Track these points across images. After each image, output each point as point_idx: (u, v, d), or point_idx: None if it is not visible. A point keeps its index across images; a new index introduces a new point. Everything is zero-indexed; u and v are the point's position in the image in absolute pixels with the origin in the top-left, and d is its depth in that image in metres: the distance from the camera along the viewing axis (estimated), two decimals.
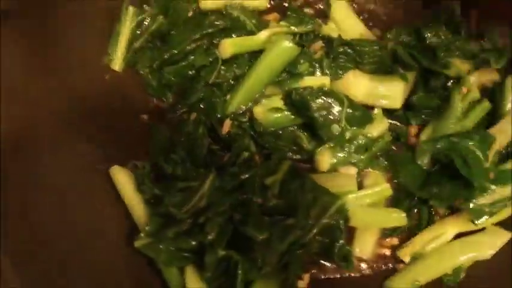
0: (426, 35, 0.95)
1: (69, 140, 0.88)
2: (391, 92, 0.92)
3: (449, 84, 0.93)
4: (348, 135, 0.89)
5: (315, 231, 0.78)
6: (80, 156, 0.88)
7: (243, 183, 0.80)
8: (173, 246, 0.76)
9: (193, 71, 0.95)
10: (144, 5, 0.97)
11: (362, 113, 0.91)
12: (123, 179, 0.87)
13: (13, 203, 0.72)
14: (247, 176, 0.81)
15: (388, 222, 0.86)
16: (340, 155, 0.89)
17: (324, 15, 1.03)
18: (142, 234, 0.77)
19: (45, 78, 0.86)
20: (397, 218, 0.85)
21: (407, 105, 0.95)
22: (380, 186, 0.87)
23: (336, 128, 0.88)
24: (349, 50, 0.95)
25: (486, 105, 0.89)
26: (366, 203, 0.85)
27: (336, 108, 0.88)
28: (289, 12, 1.00)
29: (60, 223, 0.78)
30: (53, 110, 0.86)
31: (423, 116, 0.95)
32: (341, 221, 0.80)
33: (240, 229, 0.75)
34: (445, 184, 0.85)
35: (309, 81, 0.92)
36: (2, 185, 0.72)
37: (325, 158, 0.88)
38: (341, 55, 0.95)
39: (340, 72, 0.94)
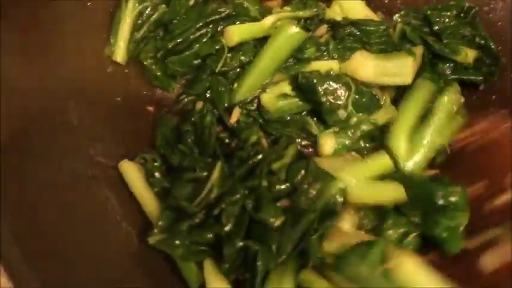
0: (433, 20, 0.95)
1: (74, 137, 0.85)
2: (401, 69, 0.90)
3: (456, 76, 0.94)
4: (353, 120, 0.88)
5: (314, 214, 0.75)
6: (86, 153, 0.85)
7: (252, 169, 0.78)
8: (188, 240, 0.74)
9: (199, 60, 0.93)
10: None
11: (370, 99, 0.90)
12: (133, 173, 0.84)
13: (17, 204, 0.70)
14: (255, 160, 0.79)
15: (387, 196, 0.81)
16: (344, 140, 0.88)
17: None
18: (155, 230, 0.74)
19: (44, 74, 0.82)
20: (396, 192, 0.80)
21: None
22: (381, 158, 0.83)
23: (341, 113, 0.87)
24: (355, 31, 0.94)
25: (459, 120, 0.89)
26: (367, 176, 0.81)
27: (343, 93, 0.88)
28: None
29: (69, 223, 0.76)
30: (53, 106, 0.83)
31: None
32: (339, 200, 0.76)
33: (255, 217, 0.73)
34: None
35: (316, 66, 0.91)
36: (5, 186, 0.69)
37: (328, 142, 0.87)
38: (347, 36, 0.94)
39: (348, 53, 0.93)
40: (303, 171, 0.78)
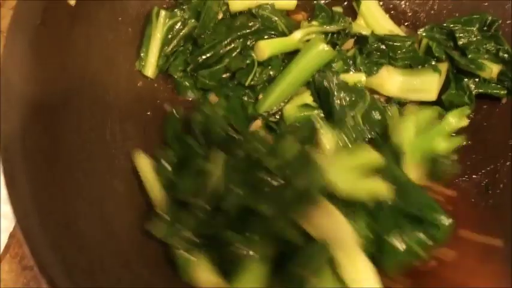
0: (457, 35, 0.97)
1: (106, 151, 0.86)
2: (426, 85, 0.93)
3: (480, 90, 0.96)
4: (359, 128, 0.90)
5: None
6: (117, 167, 0.87)
7: (255, 163, 0.78)
8: (190, 232, 0.76)
9: (228, 74, 0.94)
10: (175, 9, 0.95)
11: (381, 115, 0.92)
12: (145, 165, 0.85)
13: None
14: (258, 154, 0.78)
15: (372, 192, 0.76)
16: (346, 140, 0.89)
17: (352, 13, 1.04)
18: (158, 222, 0.77)
19: (71, 88, 0.83)
20: (383, 190, 0.76)
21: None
22: (368, 152, 0.80)
23: (349, 121, 0.90)
24: (382, 46, 0.96)
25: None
26: (354, 170, 0.78)
27: (355, 103, 0.90)
28: (317, 12, 1.01)
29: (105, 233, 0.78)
30: (83, 120, 0.84)
31: None
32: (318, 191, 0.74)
33: (251, 206, 0.74)
34: None
35: (345, 79, 0.93)
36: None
37: (329, 140, 0.88)
38: (374, 51, 0.96)
39: (374, 68, 0.95)
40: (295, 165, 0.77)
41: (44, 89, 0.76)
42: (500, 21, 0.99)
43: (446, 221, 0.74)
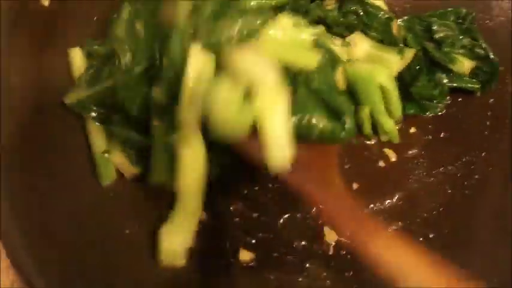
0: (434, 28, 0.97)
1: None
2: (386, 62, 0.93)
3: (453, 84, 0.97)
4: None
5: None
6: None
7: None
8: (101, 104, 0.81)
9: None
10: None
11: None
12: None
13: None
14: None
15: (298, 58, 0.75)
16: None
17: None
18: (75, 92, 0.82)
19: (53, 86, 0.84)
20: (310, 57, 0.76)
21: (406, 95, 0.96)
22: (300, 29, 0.80)
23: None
24: (360, 11, 0.96)
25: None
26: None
27: None
28: None
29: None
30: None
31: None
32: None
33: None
34: None
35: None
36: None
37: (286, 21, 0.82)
38: (351, 14, 0.97)
39: (345, 30, 0.96)
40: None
41: (20, 90, 0.78)
42: (474, 14, 1.00)
43: (350, 125, 0.74)
